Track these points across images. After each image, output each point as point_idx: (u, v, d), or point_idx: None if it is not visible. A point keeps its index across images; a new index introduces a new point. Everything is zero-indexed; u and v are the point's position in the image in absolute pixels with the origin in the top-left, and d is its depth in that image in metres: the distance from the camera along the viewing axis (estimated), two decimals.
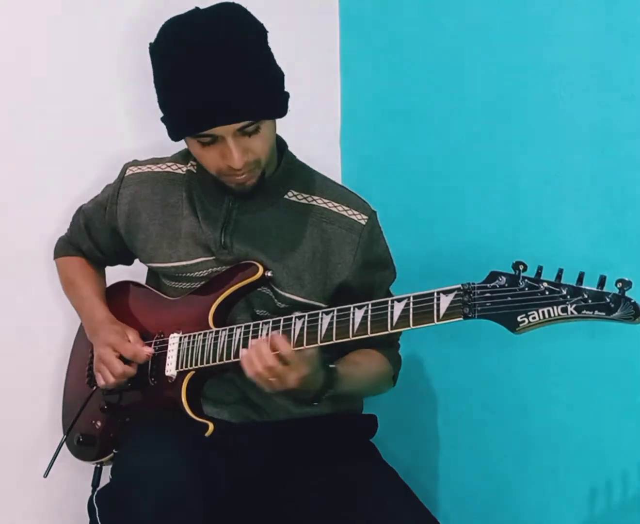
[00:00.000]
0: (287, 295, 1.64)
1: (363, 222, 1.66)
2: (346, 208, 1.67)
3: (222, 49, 1.48)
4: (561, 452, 1.76)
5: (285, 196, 1.67)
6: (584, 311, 1.24)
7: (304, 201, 1.67)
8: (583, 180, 1.67)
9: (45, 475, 1.75)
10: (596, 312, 1.23)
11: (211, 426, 1.58)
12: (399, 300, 1.41)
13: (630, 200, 1.58)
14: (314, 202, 1.67)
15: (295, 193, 1.68)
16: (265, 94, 1.53)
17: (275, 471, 1.65)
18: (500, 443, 1.92)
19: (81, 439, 1.73)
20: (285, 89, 1.57)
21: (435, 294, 1.36)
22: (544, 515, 1.81)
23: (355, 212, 1.67)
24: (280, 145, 1.68)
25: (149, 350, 1.66)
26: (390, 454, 1.72)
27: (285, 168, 1.68)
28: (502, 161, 1.86)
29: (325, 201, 1.67)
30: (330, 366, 1.58)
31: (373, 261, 1.68)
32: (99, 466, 1.75)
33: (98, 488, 1.66)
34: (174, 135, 1.57)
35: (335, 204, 1.67)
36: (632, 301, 1.21)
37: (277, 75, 1.56)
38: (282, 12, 1.58)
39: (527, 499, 1.85)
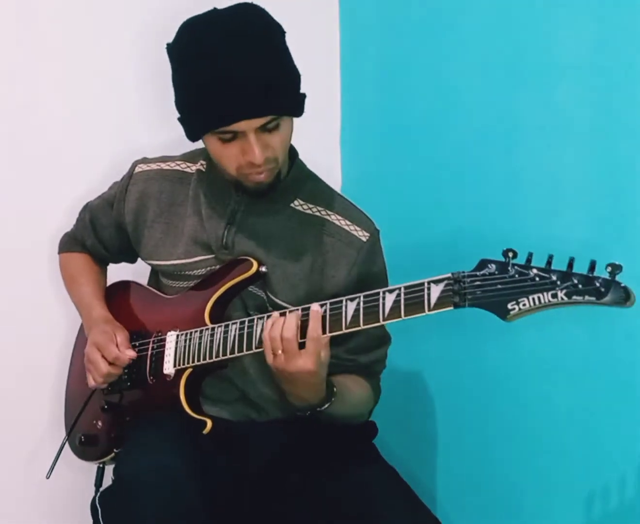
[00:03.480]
0: (279, 302, 1.63)
1: (364, 239, 1.64)
2: (349, 223, 1.66)
3: (249, 43, 1.48)
4: (561, 451, 1.75)
5: (291, 204, 1.66)
6: (574, 297, 1.22)
7: (308, 211, 1.67)
8: (580, 178, 1.66)
9: (48, 476, 1.76)
10: (586, 297, 1.21)
11: (209, 423, 1.58)
12: (391, 291, 1.40)
13: (626, 196, 1.57)
14: (318, 214, 1.66)
15: (302, 202, 1.67)
16: (289, 90, 1.53)
17: (275, 470, 1.65)
18: (500, 441, 1.90)
19: (83, 439, 1.74)
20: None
21: (426, 283, 1.36)
22: (544, 513, 1.80)
23: (358, 229, 1.65)
24: (291, 153, 1.67)
25: (131, 354, 1.65)
26: (390, 454, 1.70)
27: (294, 176, 1.67)
28: (502, 160, 1.85)
29: (330, 213, 1.66)
30: (332, 379, 1.56)
31: (369, 279, 1.64)
32: (101, 465, 1.76)
33: (101, 489, 1.66)
34: (195, 132, 1.56)
35: (339, 218, 1.66)
36: (622, 285, 1.19)
37: (298, 74, 1.56)
38: (282, 12, 1.57)
39: (527, 497, 1.83)
